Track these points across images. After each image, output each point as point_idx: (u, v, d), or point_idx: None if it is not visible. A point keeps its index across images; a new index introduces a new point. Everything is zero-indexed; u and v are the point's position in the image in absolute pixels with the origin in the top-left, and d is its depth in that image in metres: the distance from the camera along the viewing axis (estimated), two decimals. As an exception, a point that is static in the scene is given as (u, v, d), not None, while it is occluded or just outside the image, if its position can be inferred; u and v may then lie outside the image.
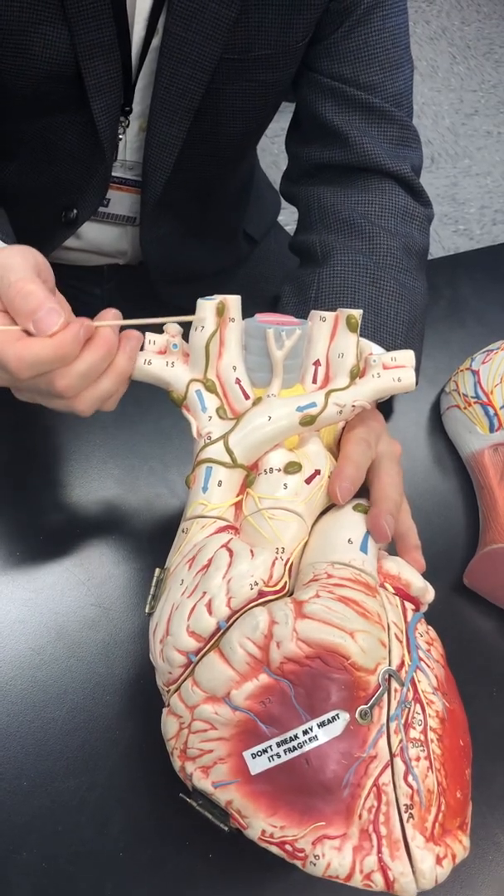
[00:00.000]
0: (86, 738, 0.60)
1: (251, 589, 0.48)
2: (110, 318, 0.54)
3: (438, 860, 0.43)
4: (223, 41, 0.71)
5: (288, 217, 1.19)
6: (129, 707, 0.61)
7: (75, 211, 0.87)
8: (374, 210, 0.77)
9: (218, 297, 0.57)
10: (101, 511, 0.70)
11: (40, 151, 0.79)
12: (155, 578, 0.55)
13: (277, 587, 0.49)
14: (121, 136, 0.81)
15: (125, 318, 1.12)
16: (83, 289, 1.04)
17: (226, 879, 0.56)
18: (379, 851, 0.43)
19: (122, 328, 0.55)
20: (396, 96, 0.78)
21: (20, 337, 0.50)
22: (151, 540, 0.68)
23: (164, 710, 0.50)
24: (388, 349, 0.69)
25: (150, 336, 0.58)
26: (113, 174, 0.85)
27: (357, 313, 0.57)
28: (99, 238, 0.95)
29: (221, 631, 0.48)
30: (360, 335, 0.58)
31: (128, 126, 0.80)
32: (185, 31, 0.70)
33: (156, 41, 0.72)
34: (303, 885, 0.56)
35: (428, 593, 0.55)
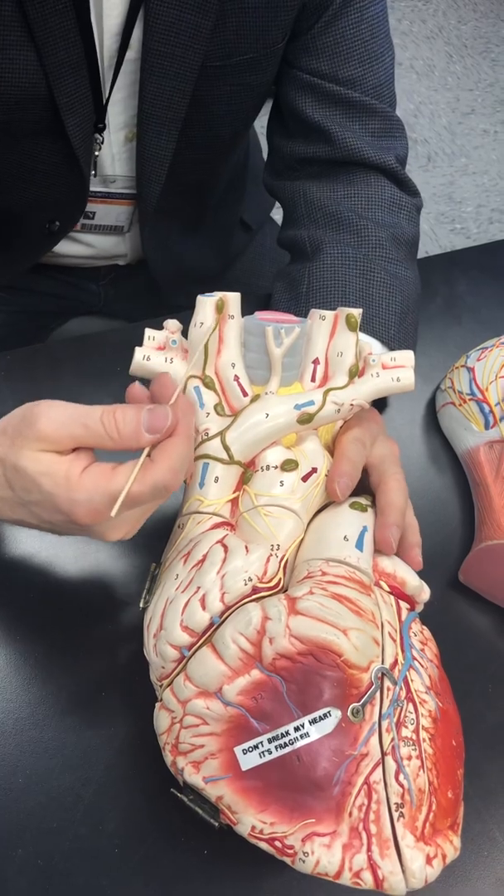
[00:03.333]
0: (81, 735, 0.60)
1: (245, 585, 0.48)
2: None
3: (429, 860, 0.43)
4: (203, 50, 0.70)
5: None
6: (125, 704, 0.61)
7: (58, 223, 0.87)
8: (361, 203, 0.77)
9: (218, 294, 0.57)
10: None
11: (17, 174, 0.79)
12: (150, 573, 0.55)
13: (272, 584, 0.49)
14: (97, 152, 0.80)
15: (123, 313, 1.11)
16: (79, 284, 1.04)
17: (221, 876, 0.56)
18: (368, 850, 0.43)
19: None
20: (377, 88, 0.78)
21: (109, 474, 0.47)
22: (147, 536, 0.67)
23: (157, 705, 0.50)
24: (381, 340, 0.69)
25: (149, 332, 0.58)
26: (97, 189, 0.85)
27: (357, 312, 0.57)
28: (96, 243, 0.95)
29: (215, 626, 0.48)
30: None
31: (103, 142, 0.79)
32: (163, 45, 0.69)
33: (130, 54, 0.72)
34: (298, 881, 0.56)
35: (423, 592, 0.55)
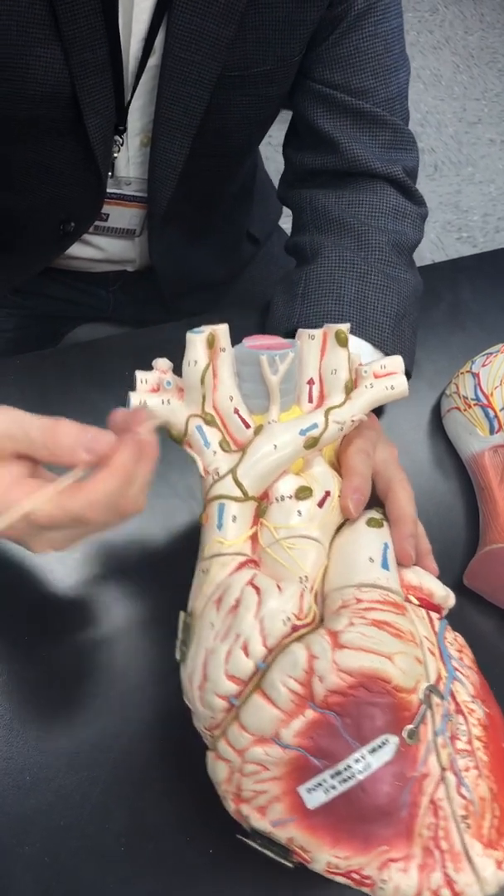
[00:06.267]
0: (88, 734, 0.59)
1: (284, 624, 0.48)
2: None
3: (499, 864, 0.43)
4: (222, 60, 0.72)
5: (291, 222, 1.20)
6: (132, 703, 0.61)
7: (73, 224, 0.88)
8: (365, 210, 0.78)
9: (206, 329, 0.56)
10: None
11: (35, 173, 0.80)
12: (181, 622, 0.54)
13: (308, 619, 0.49)
14: (116, 154, 0.82)
15: (132, 319, 1.09)
16: (88, 290, 1.05)
17: (226, 874, 0.55)
18: (443, 866, 0.43)
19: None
20: (389, 101, 0.79)
21: (24, 486, 0.46)
22: (153, 536, 0.68)
23: (210, 755, 0.49)
24: (374, 343, 0.69)
25: (140, 375, 0.57)
26: (112, 191, 0.86)
27: (345, 327, 0.56)
28: (107, 246, 0.96)
29: (260, 671, 0.47)
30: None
31: (122, 144, 0.81)
32: (185, 51, 0.71)
33: (153, 60, 0.73)
34: (304, 880, 0.54)
35: (450, 599, 0.54)
